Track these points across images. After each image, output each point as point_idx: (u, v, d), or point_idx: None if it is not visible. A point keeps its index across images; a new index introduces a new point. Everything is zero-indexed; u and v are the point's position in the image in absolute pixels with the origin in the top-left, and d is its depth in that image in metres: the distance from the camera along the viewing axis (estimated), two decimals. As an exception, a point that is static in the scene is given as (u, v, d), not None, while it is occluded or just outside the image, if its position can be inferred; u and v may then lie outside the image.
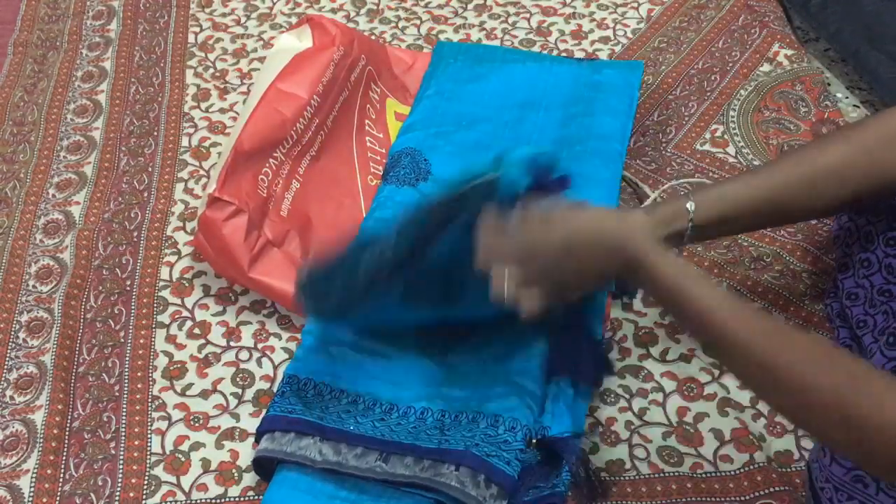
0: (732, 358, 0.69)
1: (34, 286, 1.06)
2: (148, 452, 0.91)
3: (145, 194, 1.17)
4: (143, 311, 1.04)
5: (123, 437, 0.92)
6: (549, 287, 0.78)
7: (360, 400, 0.88)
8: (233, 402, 0.96)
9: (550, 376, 0.88)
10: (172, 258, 1.10)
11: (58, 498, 0.88)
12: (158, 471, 0.90)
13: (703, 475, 0.88)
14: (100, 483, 0.89)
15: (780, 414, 0.83)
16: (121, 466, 0.90)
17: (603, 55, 1.35)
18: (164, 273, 1.08)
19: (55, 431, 0.92)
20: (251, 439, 0.92)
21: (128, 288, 1.06)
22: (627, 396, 0.94)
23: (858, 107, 1.30)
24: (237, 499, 0.88)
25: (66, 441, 0.92)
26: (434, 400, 0.88)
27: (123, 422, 0.94)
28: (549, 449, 0.83)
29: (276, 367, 0.99)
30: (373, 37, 1.38)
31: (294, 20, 1.41)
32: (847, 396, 0.61)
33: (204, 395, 0.97)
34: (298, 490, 0.84)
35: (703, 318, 0.69)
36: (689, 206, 0.79)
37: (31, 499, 0.88)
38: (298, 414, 0.87)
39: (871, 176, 0.80)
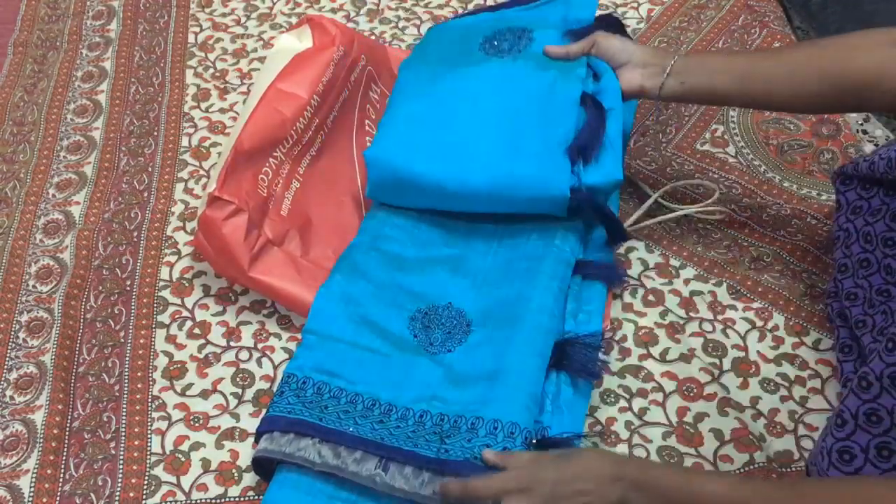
0: None
1: (34, 286, 1.06)
2: (148, 452, 0.91)
3: (145, 194, 1.17)
4: (143, 311, 1.04)
5: (123, 437, 0.92)
6: None
7: (358, 400, 0.88)
8: (233, 402, 0.96)
9: (548, 372, 0.89)
10: (172, 258, 1.10)
11: (58, 498, 0.88)
12: (158, 471, 0.90)
13: (703, 475, 0.88)
14: (100, 483, 0.89)
15: None
16: (121, 466, 0.90)
17: (603, 55, 1.35)
18: (164, 273, 1.08)
19: (55, 431, 0.92)
20: (251, 439, 0.92)
21: (128, 288, 1.06)
22: (627, 396, 0.94)
23: (858, 107, 1.30)
24: (237, 499, 0.88)
25: (66, 441, 0.92)
26: (432, 402, 0.88)
27: (123, 422, 0.94)
28: (548, 450, 0.83)
29: (276, 367, 0.99)
30: (373, 37, 1.38)
31: (294, 20, 1.41)
32: None
33: (204, 395, 0.97)
34: (298, 490, 0.84)
35: None
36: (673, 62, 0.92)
37: (31, 499, 0.88)
38: (297, 414, 0.86)
39: (849, 76, 0.84)
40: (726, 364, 0.97)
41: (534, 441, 0.83)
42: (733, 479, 0.74)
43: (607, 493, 0.72)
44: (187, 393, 0.97)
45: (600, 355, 0.91)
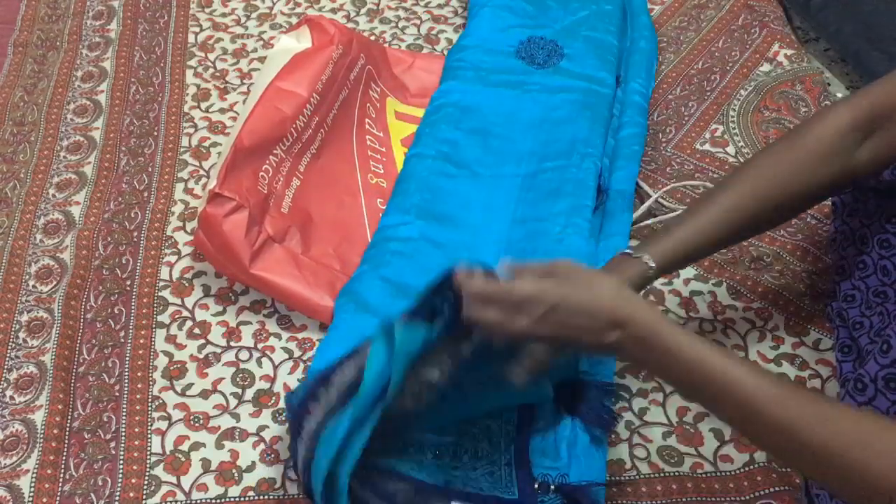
0: (766, 432, 0.65)
1: (34, 286, 1.06)
2: (148, 452, 0.91)
3: (145, 194, 1.17)
4: (143, 311, 1.04)
5: (123, 437, 0.92)
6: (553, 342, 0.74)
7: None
8: (233, 402, 0.96)
9: (561, 418, 0.88)
10: (172, 258, 1.10)
11: (58, 498, 0.88)
12: (158, 471, 0.90)
13: (703, 475, 0.88)
14: (100, 483, 0.89)
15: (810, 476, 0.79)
16: (121, 466, 0.90)
17: (603, 55, 1.35)
18: (164, 273, 1.08)
19: (55, 431, 0.92)
20: (251, 439, 0.92)
21: (128, 288, 1.06)
22: (627, 396, 0.94)
23: (858, 107, 1.30)
24: (237, 499, 0.88)
25: (66, 441, 0.92)
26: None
27: (123, 422, 0.94)
28: (570, 497, 0.83)
29: (276, 367, 0.99)
30: (373, 37, 1.38)
31: (294, 20, 1.41)
32: None
33: (204, 395, 0.96)
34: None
35: (730, 398, 0.65)
36: (651, 273, 0.80)
37: (31, 499, 0.88)
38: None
39: (808, 191, 0.83)
40: (726, 364, 0.97)
41: (553, 487, 0.82)
42: (753, 371, 0.65)
43: (602, 335, 0.67)
44: (187, 393, 0.97)
45: (614, 404, 0.90)
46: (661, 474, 0.89)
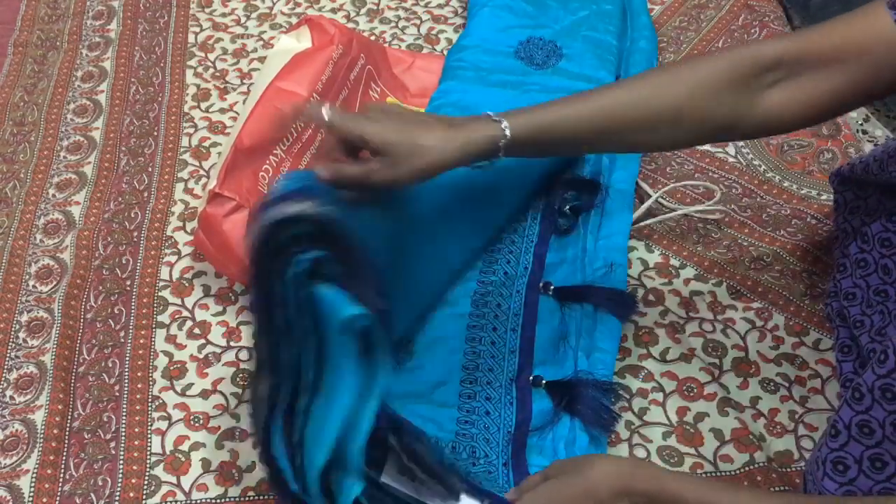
0: None
1: (34, 286, 1.06)
2: (148, 452, 0.91)
3: (145, 194, 1.17)
4: (143, 311, 1.04)
5: (123, 437, 0.92)
6: None
7: None
8: (233, 401, 0.96)
9: (560, 417, 0.89)
10: (172, 258, 1.10)
11: (58, 498, 0.88)
12: (158, 471, 0.90)
13: (704, 475, 0.88)
14: (100, 483, 0.89)
15: None
16: (121, 466, 0.90)
17: (603, 55, 1.35)
18: (164, 273, 1.08)
19: (55, 431, 0.92)
20: (251, 439, 0.92)
21: (128, 288, 1.06)
22: (627, 396, 0.94)
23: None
24: (237, 499, 0.88)
25: (66, 441, 0.92)
26: None
27: (123, 422, 0.94)
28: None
29: (276, 367, 0.99)
30: (373, 37, 1.38)
31: (294, 20, 1.41)
32: None
33: (204, 395, 0.96)
34: None
35: None
36: (502, 143, 0.74)
37: (31, 499, 0.88)
38: None
39: (702, 121, 0.76)
40: (726, 364, 0.97)
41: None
42: (753, 494, 0.69)
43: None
44: (187, 393, 0.97)
45: (613, 404, 0.90)
46: (661, 474, 0.89)
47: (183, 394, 0.97)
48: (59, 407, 0.94)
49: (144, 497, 0.88)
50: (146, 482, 0.89)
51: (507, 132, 0.74)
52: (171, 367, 0.99)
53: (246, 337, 1.01)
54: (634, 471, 0.69)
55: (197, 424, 0.94)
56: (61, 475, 0.90)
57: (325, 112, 0.72)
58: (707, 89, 0.75)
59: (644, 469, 0.70)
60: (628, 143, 0.81)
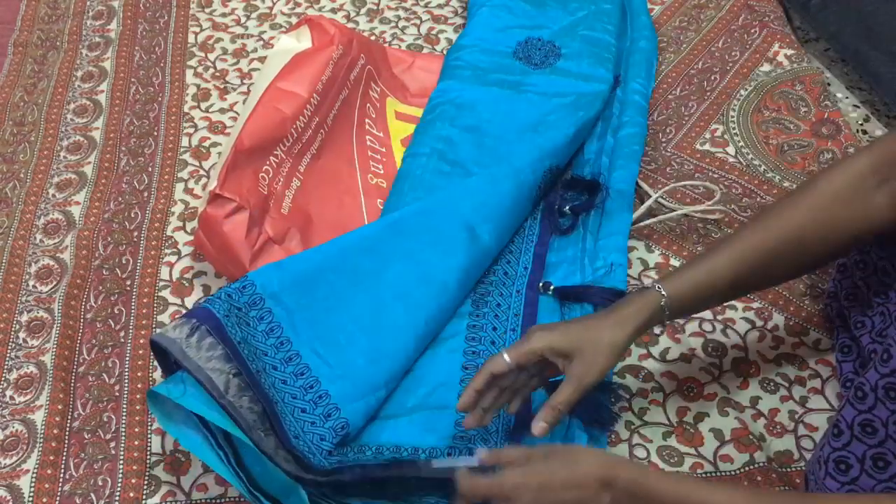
0: None
1: (34, 286, 1.06)
2: (148, 452, 0.91)
3: (145, 194, 1.17)
4: (143, 311, 1.04)
5: (123, 437, 0.92)
6: None
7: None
8: (233, 402, 0.96)
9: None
10: (172, 258, 1.10)
11: (58, 498, 0.88)
12: (158, 471, 0.90)
13: (704, 475, 0.88)
14: (100, 483, 0.89)
15: None
16: (121, 466, 0.90)
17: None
18: (164, 273, 1.08)
19: (55, 431, 0.92)
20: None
21: (128, 288, 1.06)
22: (627, 396, 0.94)
23: (858, 107, 1.30)
24: (237, 499, 0.88)
25: (66, 441, 0.92)
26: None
27: (123, 422, 0.94)
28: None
29: (276, 367, 0.99)
30: (373, 37, 1.38)
31: (294, 20, 1.41)
32: None
33: (204, 395, 0.96)
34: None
35: None
36: (664, 302, 0.79)
37: (31, 499, 0.88)
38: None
39: (827, 237, 0.81)
40: (726, 364, 0.97)
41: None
42: (736, 492, 0.69)
43: (595, 499, 0.69)
44: (187, 393, 0.97)
45: (613, 404, 0.90)
46: (661, 474, 0.89)
47: (183, 394, 0.96)
48: (59, 407, 0.94)
49: (144, 497, 0.88)
50: (146, 482, 0.89)
51: (663, 292, 0.80)
52: (171, 367, 0.99)
53: (246, 337, 1.01)
54: (619, 467, 0.70)
55: (197, 424, 0.94)
56: (61, 475, 0.90)
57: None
58: (827, 217, 0.80)
59: (627, 467, 0.71)
60: (770, 280, 0.89)
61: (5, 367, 0.98)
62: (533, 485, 0.69)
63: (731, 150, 1.20)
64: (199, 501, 0.88)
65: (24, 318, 1.03)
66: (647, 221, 1.09)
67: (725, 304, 1.02)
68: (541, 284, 1.02)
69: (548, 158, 1.08)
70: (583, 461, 0.70)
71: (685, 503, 0.68)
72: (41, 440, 0.92)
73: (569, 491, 0.69)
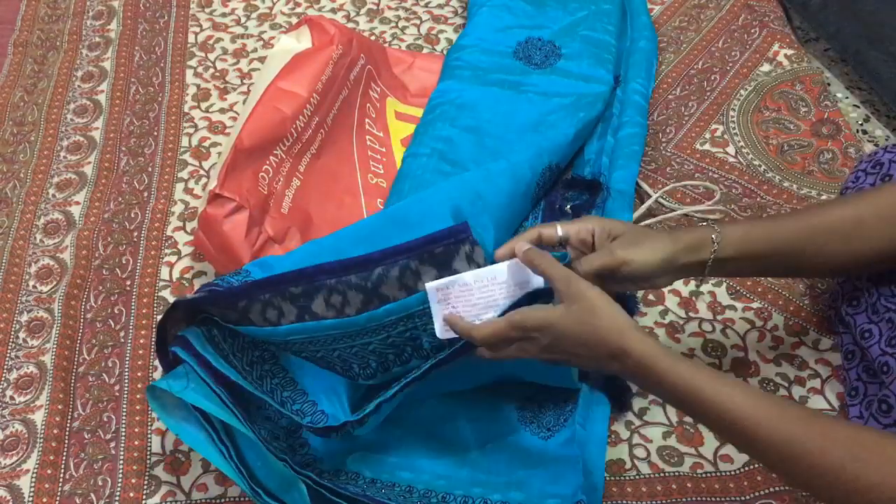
0: (763, 449, 0.67)
1: (34, 286, 1.06)
2: (148, 452, 0.91)
3: (145, 194, 1.17)
4: (143, 311, 1.04)
5: (123, 437, 0.92)
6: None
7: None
8: (233, 402, 0.96)
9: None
10: (172, 258, 1.10)
11: (58, 498, 0.88)
12: (158, 471, 0.90)
13: (703, 475, 0.88)
14: (100, 483, 0.89)
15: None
16: (121, 466, 0.90)
17: (603, 55, 1.35)
18: (164, 273, 1.08)
19: (55, 431, 0.92)
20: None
21: (128, 288, 1.06)
22: (627, 397, 0.94)
23: (858, 107, 1.30)
24: (237, 499, 0.88)
25: (66, 441, 0.92)
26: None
27: (123, 422, 0.94)
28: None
29: (276, 367, 0.99)
30: (373, 37, 1.38)
31: (294, 20, 1.41)
32: None
33: (204, 395, 0.96)
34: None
35: (727, 419, 0.67)
36: (715, 237, 0.79)
37: (31, 499, 0.88)
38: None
39: (873, 241, 0.80)
40: (726, 364, 0.97)
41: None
42: (747, 392, 0.67)
43: (602, 365, 0.71)
44: (187, 393, 0.97)
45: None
46: (661, 474, 0.89)
47: (183, 394, 0.97)
48: (59, 407, 0.94)
49: (144, 497, 0.88)
50: (146, 482, 0.89)
51: (716, 237, 0.79)
52: (171, 367, 0.99)
53: (246, 337, 1.02)
54: (631, 341, 0.70)
55: (197, 424, 0.94)
56: (61, 475, 0.90)
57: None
58: (869, 229, 0.80)
59: (639, 343, 0.70)
60: (809, 269, 0.88)
61: (5, 367, 0.98)
62: (552, 332, 0.71)
63: (731, 150, 1.20)
64: (199, 501, 0.88)
65: (24, 318, 1.03)
66: (648, 221, 1.09)
67: (725, 303, 1.02)
68: None
69: (547, 155, 1.08)
70: (602, 325, 0.70)
71: (693, 393, 0.68)
72: (41, 440, 0.92)
73: (580, 348, 0.71)
